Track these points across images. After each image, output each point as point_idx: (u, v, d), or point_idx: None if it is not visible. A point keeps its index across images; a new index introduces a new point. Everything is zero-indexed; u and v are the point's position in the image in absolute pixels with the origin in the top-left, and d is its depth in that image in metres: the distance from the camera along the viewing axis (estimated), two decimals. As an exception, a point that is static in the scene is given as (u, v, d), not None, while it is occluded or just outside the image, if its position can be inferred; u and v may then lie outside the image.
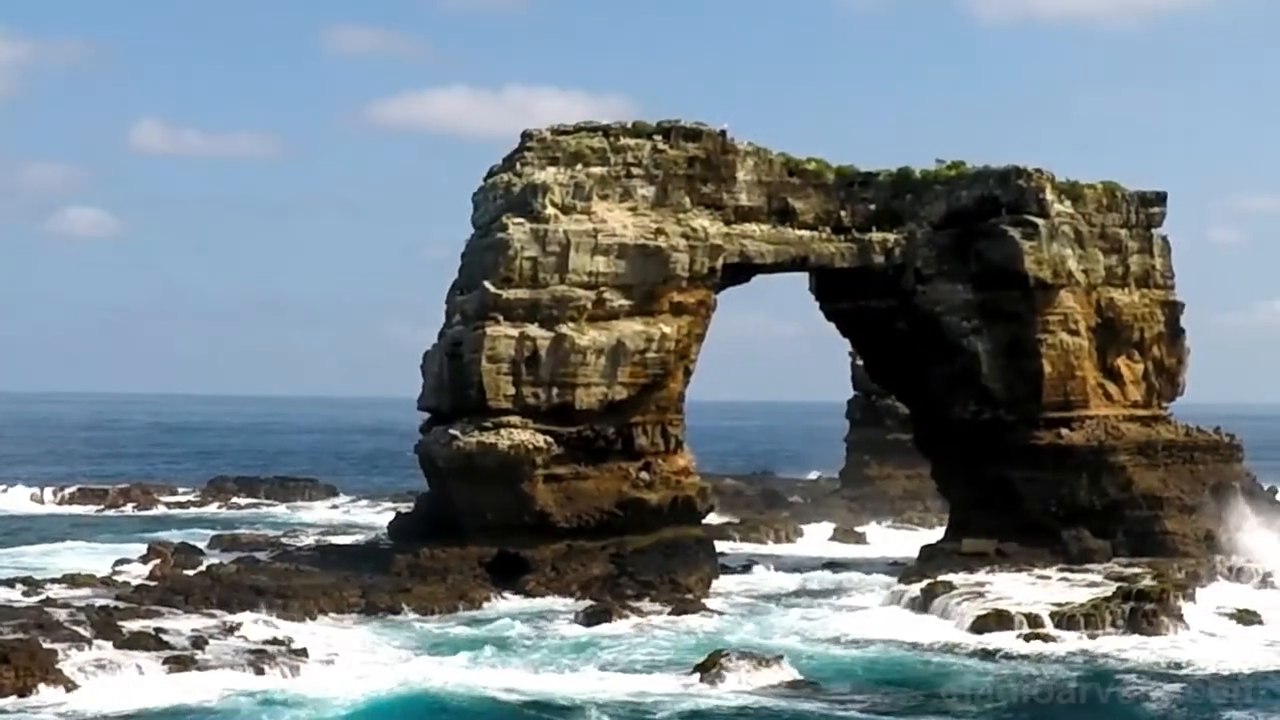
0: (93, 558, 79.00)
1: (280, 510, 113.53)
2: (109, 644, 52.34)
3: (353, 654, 53.03)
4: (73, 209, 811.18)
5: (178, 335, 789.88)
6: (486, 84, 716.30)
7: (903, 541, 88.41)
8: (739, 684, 47.66)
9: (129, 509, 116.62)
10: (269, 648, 53.15)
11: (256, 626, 56.55)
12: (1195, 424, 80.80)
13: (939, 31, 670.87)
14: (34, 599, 61.27)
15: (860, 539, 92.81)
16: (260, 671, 49.30)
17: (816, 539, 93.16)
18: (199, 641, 53.49)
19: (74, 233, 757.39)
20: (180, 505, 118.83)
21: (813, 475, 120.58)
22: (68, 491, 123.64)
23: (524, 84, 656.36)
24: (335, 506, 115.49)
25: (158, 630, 54.76)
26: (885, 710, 46.03)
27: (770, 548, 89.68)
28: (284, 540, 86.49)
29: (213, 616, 58.72)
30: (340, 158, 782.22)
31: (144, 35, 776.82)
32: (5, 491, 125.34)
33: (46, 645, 50.24)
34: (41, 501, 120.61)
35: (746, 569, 78.60)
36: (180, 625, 56.45)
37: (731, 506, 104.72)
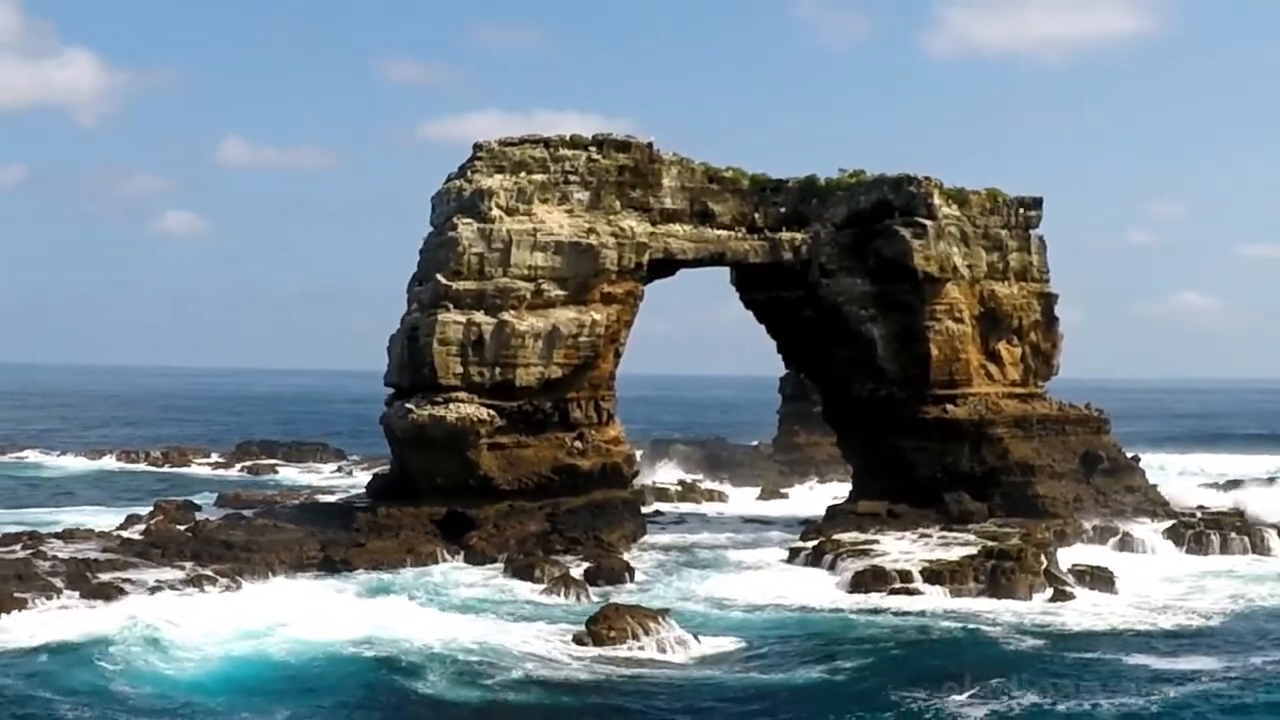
0: (111, 514, 76.49)
1: (291, 472, 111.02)
2: (76, 593, 50.16)
3: (288, 602, 49.80)
4: (170, 213, 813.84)
5: (251, 318, 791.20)
6: (517, 108, 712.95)
7: (819, 502, 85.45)
8: (619, 640, 43.33)
9: (165, 469, 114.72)
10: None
11: (219, 578, 54.14)
12: (1069, 400, 78.29)
13: (896, 65, 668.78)
14: (28, 552, 58.88)
15: (784, 498, 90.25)
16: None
17: (746, 498, 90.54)
18: (157, 591, 51.11)
19: (171, 232, 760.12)
20: (209, 466, 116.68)
21: (754, 442, 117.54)
22: (114, 454, 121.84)
23: (550, 108, 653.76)
24: (339, 469, 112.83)
25: (124, 581, 52.47)
26: (755, 662, 42.87)
27: (703, 506, 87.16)
28: (278, 499, 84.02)
29: (182, 569, 56.06)
30: (392, 169, 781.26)
31: (228, 65, 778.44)
32: (62, 455, 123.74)
33: (17, 594, 48.18)
34: (93, 462, 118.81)
35: (674, 524, 76.14)
36: (148, 577, 53.80)
37: (677, 469, 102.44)
